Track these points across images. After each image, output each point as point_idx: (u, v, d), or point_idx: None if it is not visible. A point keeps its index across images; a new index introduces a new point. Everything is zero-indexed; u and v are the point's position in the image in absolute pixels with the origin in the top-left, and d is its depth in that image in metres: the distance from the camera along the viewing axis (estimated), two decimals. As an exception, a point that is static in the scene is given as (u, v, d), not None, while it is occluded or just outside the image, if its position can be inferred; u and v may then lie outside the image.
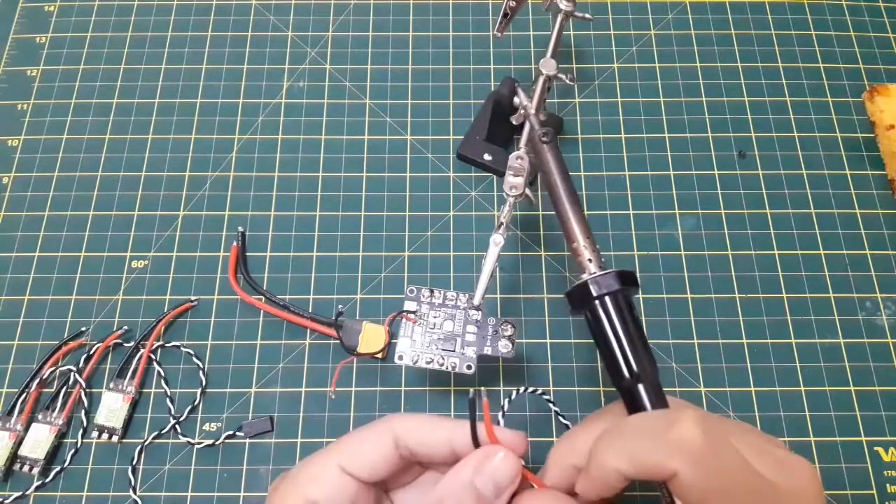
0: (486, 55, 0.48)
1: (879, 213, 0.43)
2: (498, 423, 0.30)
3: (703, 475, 0.22)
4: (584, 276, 0.27)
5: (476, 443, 0.25)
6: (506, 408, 0.37)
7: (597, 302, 0.26)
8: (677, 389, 0.39)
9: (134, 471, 0.37)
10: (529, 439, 0.37)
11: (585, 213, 0.43)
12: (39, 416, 0.37)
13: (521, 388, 0.37)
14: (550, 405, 0.38)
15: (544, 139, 0.29)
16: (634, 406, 0.25)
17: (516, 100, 0.39)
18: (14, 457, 0.37)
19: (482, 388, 0.27)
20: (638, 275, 0.41)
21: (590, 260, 0.27)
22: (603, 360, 0.26)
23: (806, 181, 0.44)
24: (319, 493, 0.25)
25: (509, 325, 0.36)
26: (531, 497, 0.25)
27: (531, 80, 0.40)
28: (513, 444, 0.25)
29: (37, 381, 0.38)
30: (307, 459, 0.26)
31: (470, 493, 0.24)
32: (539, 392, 0.38)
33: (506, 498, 0.24)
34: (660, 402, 0.25)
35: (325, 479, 0.25)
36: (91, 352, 0.39)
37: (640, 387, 0.25)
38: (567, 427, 0.37)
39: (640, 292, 0.41)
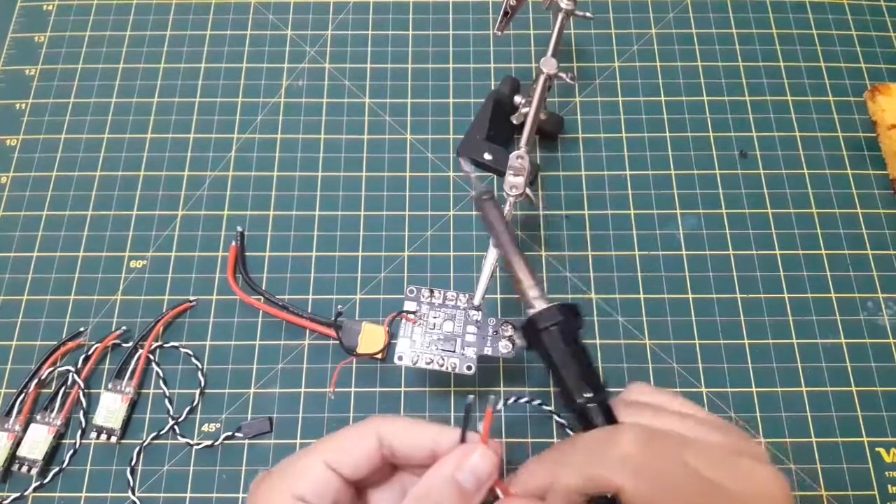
0: (486, 54, 0.48)
1: (881, 212, 0.43)
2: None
3: (644, 488, 0.23)
4: (531, 312, 0.29)
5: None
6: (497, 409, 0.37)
7: (543, 333, 0.28)
8: (678, 390, 0.38)
9: (132, 472, 0.37)
10: (530, 440, 0.37)
11: (589, 212, 0.43)
12: (38, 417, 0.37)
13: (511, 399, 0.37)
14: (541, 407, 0.37)
15: (485, 197, 0.32)
16: (587, 425, 0.27)
17: (517, 98, 0.39)
18: (12, 457, 0.36)
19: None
20: (639, 274, 0.41)
21: (535, 297, 0.29)
22: (555, 384, 0.28)
23: (807, 181, 0.44)
24: (306, 488, 0.26)
25: (509, 326, 0.36)
26: None
27: (532, 79, 0.40)
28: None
29: (35, 381, 0.38)
30: (293, 456, 0.27)
31: (452, 486, 0.25)
32: (526, 400, 0.37)
33: (484, 491, 0.26)
34: (609, 419, 0.26)
35: (311, 475, 0.26)
36: (89, 352, 0.39)
37: (589, 406, 0.27)
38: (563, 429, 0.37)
39: (642, 292, 0.41)
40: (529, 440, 0.37)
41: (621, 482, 0.23)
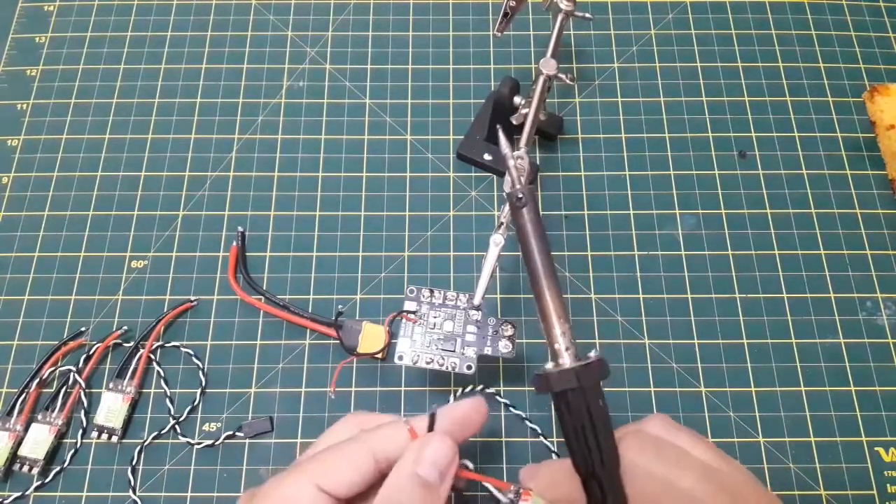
0: (486, 55, 0.48)
1: (880, 212, 0.43)
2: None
3: None
4: (549, 367, 0.26)
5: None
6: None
7: (561, 396, 0.25)
8: (678, 389, 0.39)
9: (133, 471, 0.37)
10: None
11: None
12: (39, 417, 0.37)
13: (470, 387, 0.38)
14: (507, 405, 0.38)
15: (518, 203, 0.25)
16: (590, 495, 0.25)
17: (517, 99, 0.39)
18: (14, 457, 0.37)
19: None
20: (638, 275, 0.41)
21: (559, 346, 0.26)
22: (566, 444, 0.26)
23: (806, 181, 0.44)
24: None
25: (509, 325, 0.36)
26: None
27: (531, 80, 0.40)
28: (474, 409, 0.27)
29: (36, 381, 0.38)
30: (280, 477, 0.26)
31: (414, 482, 0.24)
32: (481, 388, 0.38)
33: (450, 479, 0.25)
34: (615, 497, 0.25)
35: (300, 501, 0.24)
36: (91, 352, 0.39)
37: (597, 480, 0.25)
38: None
39: (641, 292, 0.41)
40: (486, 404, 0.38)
41: None
